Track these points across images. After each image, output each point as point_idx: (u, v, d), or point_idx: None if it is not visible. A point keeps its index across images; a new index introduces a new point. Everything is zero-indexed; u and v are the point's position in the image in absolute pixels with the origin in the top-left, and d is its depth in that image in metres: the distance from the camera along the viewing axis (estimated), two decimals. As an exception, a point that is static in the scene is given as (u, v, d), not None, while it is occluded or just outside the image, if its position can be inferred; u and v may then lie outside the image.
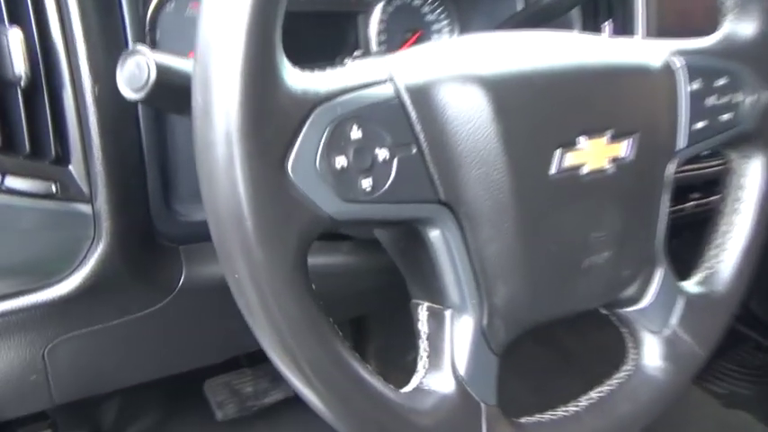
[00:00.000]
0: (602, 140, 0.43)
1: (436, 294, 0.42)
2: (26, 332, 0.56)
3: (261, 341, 0.35)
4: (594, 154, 0.43)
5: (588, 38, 0.48)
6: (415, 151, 0.38)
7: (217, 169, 0.31)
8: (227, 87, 0.31)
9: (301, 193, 0.33)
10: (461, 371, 0.41)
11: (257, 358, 1.22)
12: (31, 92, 0.48)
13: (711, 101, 0.50)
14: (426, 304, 0.43)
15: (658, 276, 0.50)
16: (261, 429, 1.16)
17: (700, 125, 0.50)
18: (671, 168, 0.49)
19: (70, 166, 0.51)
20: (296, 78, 0.34)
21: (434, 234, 0.40)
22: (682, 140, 0.49)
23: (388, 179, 0.37)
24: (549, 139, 0.41)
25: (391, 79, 0.38)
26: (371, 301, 0.82)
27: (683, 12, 0.76)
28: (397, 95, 0.37)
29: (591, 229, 0.44)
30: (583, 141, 0.42)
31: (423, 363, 0.43)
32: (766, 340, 1.52)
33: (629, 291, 0.49)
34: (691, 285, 0.54)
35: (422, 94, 0.38)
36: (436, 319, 0.43)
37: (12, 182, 0.47)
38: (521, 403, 0.46)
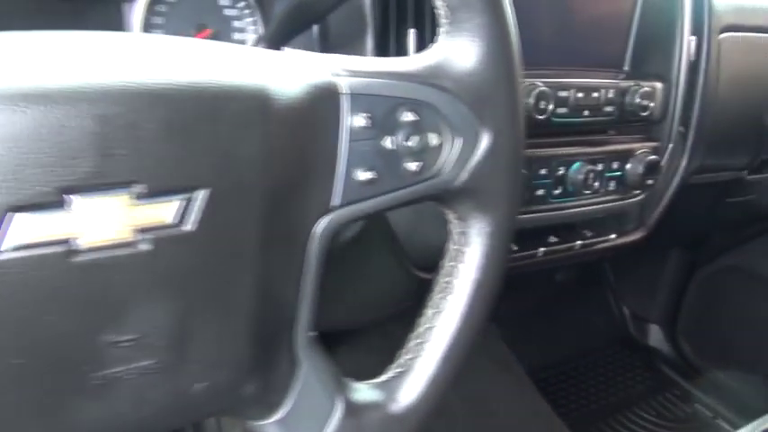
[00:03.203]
0: (121, 200, 0.28)
1: None
2: None
3: None
4: (100, 222, 0.28)
5: (165, 41, 0.31)
6: None
7: None
8: None
9: None
10: None
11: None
12: None
13: (388, 144, 0.35)
14: None
15: (302, 378, 0.36)
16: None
17: (365, 176, 0.35)
18: (322, 236, 0.34)
19: None
20: None
21: None
22: (337, 196, 0.34)
23: None
24: None
25: None
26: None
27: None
28: None
29: (97, 333, 0.29)
30: (76, 201, 0.27)
31: None
32: (695, 389, 1.39)
33: (249, 407, 0.35)
34: (363, 389, 0.39)
35: None
36: None
37: None
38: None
